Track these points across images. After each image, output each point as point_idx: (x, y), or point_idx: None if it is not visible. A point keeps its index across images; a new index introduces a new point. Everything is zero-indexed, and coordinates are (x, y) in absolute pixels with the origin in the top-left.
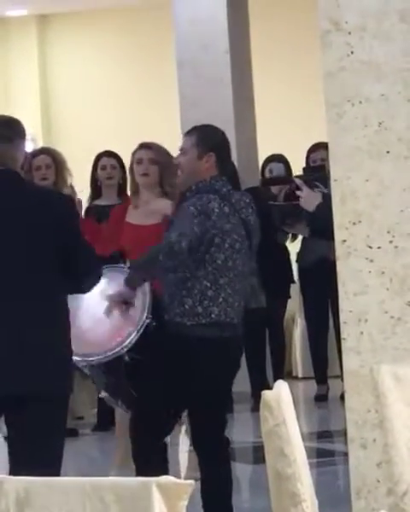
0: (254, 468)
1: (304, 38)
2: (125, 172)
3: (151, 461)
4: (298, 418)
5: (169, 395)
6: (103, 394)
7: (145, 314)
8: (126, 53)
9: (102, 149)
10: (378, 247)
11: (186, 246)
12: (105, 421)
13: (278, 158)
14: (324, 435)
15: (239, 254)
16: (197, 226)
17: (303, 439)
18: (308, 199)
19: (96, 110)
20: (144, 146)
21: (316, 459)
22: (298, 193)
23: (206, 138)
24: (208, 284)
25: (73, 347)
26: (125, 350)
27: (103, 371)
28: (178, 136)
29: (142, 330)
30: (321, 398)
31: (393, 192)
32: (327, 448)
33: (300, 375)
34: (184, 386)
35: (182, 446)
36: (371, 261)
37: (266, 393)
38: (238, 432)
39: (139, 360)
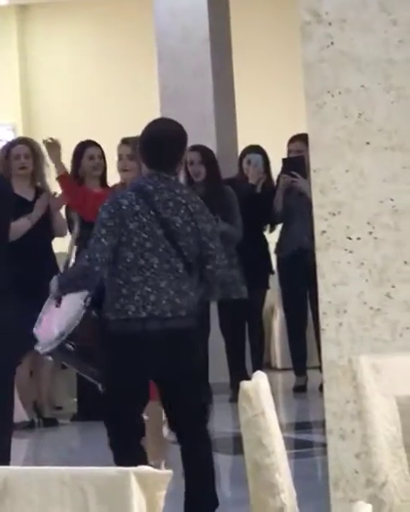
0: (234, 459)
1: (285, 29)
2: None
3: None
4: (277, 409)
5: (114, 384)
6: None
7: (81, 303)
8: (106, 43)
9: (81, 139)
10: (358, 239)
11: (99, 268)
12: (84, 411)
13: (255, 149)
14: (302, 426)
15: (153, 253)
16: (106, 237)
17: (282, 430)
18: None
19: (76, 100)
20: (123, 142)
21: (294, 450)
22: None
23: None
24: (121, 282)
25: (42, 338)
26: (63, 338)
27: (58, 358)
28: None
29: (77, 320)
30: (300, 389)
31: (373, 183)
32: (306, 439)
33: (279, 366)
34: (125, 377)
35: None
36: (351, 252)
37: (244, 384)
38: (217, 422)
39: (86, 347)
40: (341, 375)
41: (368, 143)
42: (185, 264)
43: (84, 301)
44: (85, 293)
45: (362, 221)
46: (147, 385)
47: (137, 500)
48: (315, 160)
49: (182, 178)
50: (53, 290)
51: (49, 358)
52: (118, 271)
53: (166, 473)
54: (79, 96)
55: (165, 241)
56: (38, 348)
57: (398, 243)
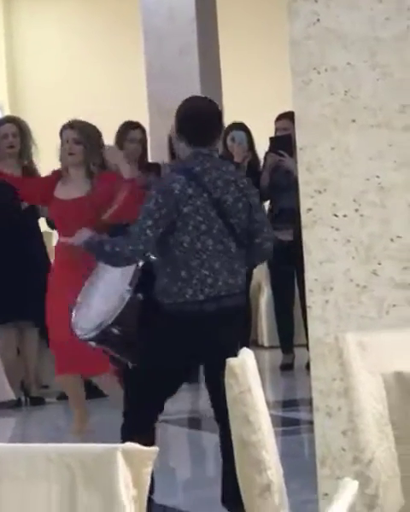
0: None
1: (270, 7)
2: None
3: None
4: (263, 387)
5: (156, 371)
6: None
7: (128, 288)
8: (93, 21)
9: (68, 118)
10: (344, 216)
11: (140, 260)
12: None
13: (238, 126)
14: (289, 404)
15: (208, 235)
16: (151, 228)
17: (268, 408)
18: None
19: (63, 78)
20: (68, 126)
21: (281, 428)
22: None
23: (175, 120)
24: (180, 266)
25: (84, 325)
26: (110, 323)
27: (103, 343)
28: (145, 107)
29: (124, 304)
30: (287, 367)
31: (359, 161)
32: (292, 417)
33: (265, 344)
34: (171, 360)
35: None
36: (337, 230)
37: (231, 361)
38: (204, 401)
39: (131, 332)
40: (327, 353)
41: (354, 121)
42: (237, 242)
43: (130, 285)
44: (129, 276)
45: (348, 198)
46: (189, 370)
47: (124, 476)
48: (301, 138)
49: (167, 156)
50: (84, 240)
51: (93, 344)
52: (175, 256)
53: (152, 450)
54: (65, 74)
55: (218, 221)
56: (79, 333)
57: (384, 220)
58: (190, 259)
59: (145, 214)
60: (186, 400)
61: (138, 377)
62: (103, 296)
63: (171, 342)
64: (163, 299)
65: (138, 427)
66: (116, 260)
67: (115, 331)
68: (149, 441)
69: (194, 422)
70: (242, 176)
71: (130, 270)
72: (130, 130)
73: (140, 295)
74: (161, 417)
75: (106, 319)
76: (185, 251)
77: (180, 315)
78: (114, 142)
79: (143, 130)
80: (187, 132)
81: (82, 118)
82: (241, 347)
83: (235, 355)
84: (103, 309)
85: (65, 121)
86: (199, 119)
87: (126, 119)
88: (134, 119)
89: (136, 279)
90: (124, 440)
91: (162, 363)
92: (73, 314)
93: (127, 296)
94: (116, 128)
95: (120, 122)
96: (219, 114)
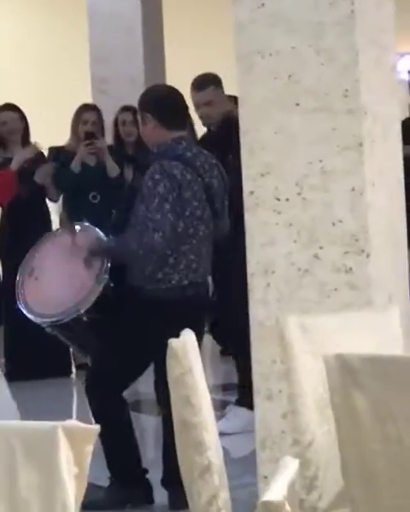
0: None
1: None
2: (26, 124)
3: (111, 416)
4: (204, 371)
5: (128, 356)
6: (73, 349)
7: (103, 276)
8: (37, 5)
9: (8, 100)
10: (286, 200)
11: (167, 245)
12: (13, 371)
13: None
14: (229, 387)
15: (200, 221)
16: (171, 212)
17: (209, 392)
18: None
19: (5, 62)
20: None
21: (222, 411)
22: None
23: (141, 101)
24: (169, 252)
25: (35, 307)
26: (82, 311)
27: (65, 330)
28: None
29: (98, 291)
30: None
31: (301, 144)
32: (233, 400)
33: (205, 328)
34: (143, 347)
35: None
36: (279, 213)
37: (172, 342)
38: (143, 384)
39: (98, 319)
40: (268, 336)
41: (297, 105)
42: (215, 226)
43: (104, 271)
44: (99, 263)
45: (291, 182)
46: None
47: (65, 454)
48: (244, 121)
49: (110, 139)
50: (89, 248)
51: (49, 330)
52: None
53: (93, 427)
54: (7, 58)
55: (207, 206)
56: (44, 320)
57: (326, 204)
58: (181, 245)
59: (159, 199)
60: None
61: (106, 361)
62: (62, 280)
63: (146, 327)
64: (144, 285)
65: (109, 403)
66: (146, 253)
67: (85, 319)
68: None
69: (134, 405)
70: (216, 160)
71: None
72: (84, 113)
73: (110, 282)
74: None
75: (79, 306)
76: (178, 236)
77: (160, 300)
78: (71, 125)
79: (99, 113)
80: (165, 116)
81: (24, 102)
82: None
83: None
84: (68, 295)
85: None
86: (175, 104)
87: (69, 99)
88: (77, 100)
89: (108, 264)
90: (96, 416)
91: (135, 349)
92: (21, 292)
93: (103, 283)
94: (60, 110)
95: (64, 103)
96: (184, 99)
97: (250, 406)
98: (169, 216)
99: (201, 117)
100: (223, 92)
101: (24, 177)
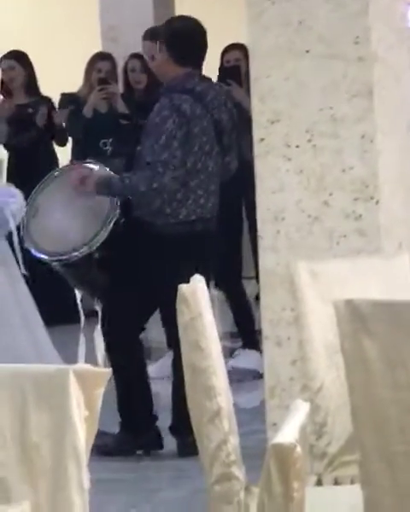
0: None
1: None
2: (31, 71)
3: (127, 354)
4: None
5: (141, 292)
6: (79, 291)
7: (113, 211)
8: None
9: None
10: (297, 146)
11: (177, 182)
12: None
13: None
14: (238, 335)
15: (209, 156)
16: (180, 149)
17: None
18: None
19: (21, 9)
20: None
21: (230, 358)
22: None
23: (165, 31)
24: (177, 187)
25: (43, 245)
26: (94, 248)
27: (75, 268)
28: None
29: (110, 227)
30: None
31: (312, 91)
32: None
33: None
34: (156, 282)
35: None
36: (289, 160)
37: (182, 287)
38: (155, 329)
39: (109, 256)
40: (278, 282)
41: (308, 51)
42: (222, 162)
43: (114, 207)
44: (108, 199)
45: (301, 129)
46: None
47: (76, 397)
48: (254, 68)
49: (121, 86)
50: (96, 182)
51: (57, 267)
52: (175, 176)
53: (104, 370)
54: (19, 3)
55: (216, 141)
56: (53, 258)
57: (336, 151)
58: (190, 180)
59: (167, 136)
60: None
61: (119, 299)
62: (70, 218)
63: (156, 263)
64: (154, 221)
65: (124, 345)
66: (158, 185)
67: (96, 256)
68: (139, 358)
69: (145, 352)
70: (227, 95)
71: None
72: (98, 61)
73: (121, 218)
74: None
75: (90, 242)
76: (187, 171)
77: (170, 236)
78: (84, 72)
79: (113, 61)
80: (180, 50)
81: (32, 49)
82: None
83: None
84: (78, 232)
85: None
86: (193, 40)
87: (79, 49)
88: (87, 49)
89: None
90: (112, 359)
91: (147, 286)
92: (22, 223)
93: (113, 219)
94: (71, 59)
95: (74, 53)
96: (205, 35)
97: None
98: (177, 153)
99: (154, 67)
100: None
101: (23, 125)
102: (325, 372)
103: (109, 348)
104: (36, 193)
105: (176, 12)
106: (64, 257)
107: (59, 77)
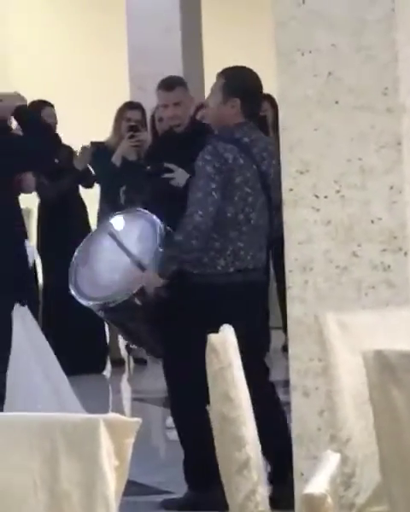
0: None
1: None
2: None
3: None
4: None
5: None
6: (125, 340)
7: (149, 256)
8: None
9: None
10: (325, 197)
11: (212, 222)
12: None
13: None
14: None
15: (252, 207)
16: (216, 191)
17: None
18: None
19: (49, 56)
20: None
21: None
22: None
23: (233, 82)
24: (216, 236)
25: (87, 291)
26: (134, 291)
27: (118, 316)
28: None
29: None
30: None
31: (340, 142)
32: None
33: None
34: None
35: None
36: (318, 210)
37: (211, 337)
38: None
39: (151, 304)
40: (306, 333)
41: (337, 102)
42: (271, 216)
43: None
44: (148, 245)
45: (329, 179)
46: None
47: (106, 447)
48: (284, 118)
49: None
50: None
51: (101, 315)
52: (213, 225)
53: (134, 421)
54: (52, 52)
55: (263, 194)
56: (86, 301)
57: (365, 202)
58: (230, 230)
59: (206, 178)
60: (160, 379)
61: (178, 365)
62: (108, 263)
63: (198, 315)
64: (188, 269)
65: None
66: (197, 237)
67: (138, 302)
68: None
69: (168, 401)
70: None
71: (137, 239)
72: (128, 110)
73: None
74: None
75: (128, 288)
76: (227, 221)
77: (208, 286)
78: (114, 121)
79: (143, 111)
80: (250, 105)
81: (63, 97)
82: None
83: (256, 332)
84: (121, 277)
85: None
86: (256, 90)
87: (108, 98)
88: (116, 98)
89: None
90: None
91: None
92: (73, 274)
93: (151, 265)
94: (97, 108)
95: (103, 102)
96: (262, 88)
97: None
98: (213, 194)
99: (169, 117)
100: (190, 95)
101: (50, 175)
102: (354, 422)
103: (180, 423)
104: (87, 242)
105: (205, 62)
106: (103, 301)
107: (87, 125)
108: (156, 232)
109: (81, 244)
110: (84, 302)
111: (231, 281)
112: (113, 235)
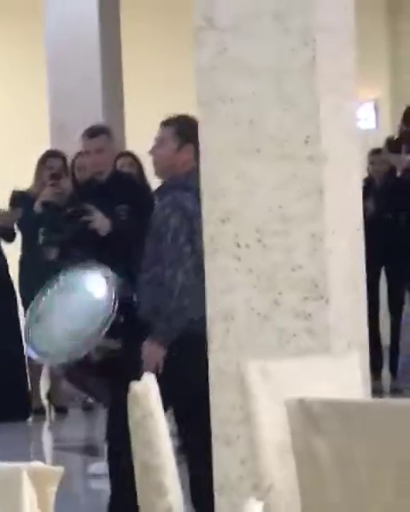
0: None
1: (175, 34)
2: None
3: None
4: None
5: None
6: (83, 395)
7: (109, 313)
8: None
9: None
10: (246, 246)
11: (189, 279)
12: None
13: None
14: None
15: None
16: (186, 245)
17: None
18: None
19: None
20: None
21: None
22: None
23: (186, 129)
24: (192, 281)
25: (46, 348)
26: (90, 348)
27: (74, 371)
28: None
29: (107, 328)
30: None
31: (262, 190)
32: None
33: None
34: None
35: None
36: (239, 259)
37: (134, 385)
38: (100, 429)
39: (110, 359)
40: (227, 381)
41: (258, 151)
42: None
43: (113, 305)
44: (106, 297)
45: (251, 228)
46: None
47: (29, 496)
48: (205, 167)
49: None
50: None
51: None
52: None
53: (57, 469)
54: None
55: None
56: (40, 357)
57: (286, 250)
58: (195, 276)
59: (173, 233)
60: (81, 427)
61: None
62: (65, 316)
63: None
64: (156, 322)
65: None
66: (179, 294)
67: (95, 358)
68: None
69: (89, 449)
70: None
71: (99, 290)
72: (49, 158)
73: (121, 318)
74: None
75: (86, 343)
76: (197, 268)
77: (191, 335)
78: (35, 170)
79: (64, 159)
80: (195, 144)
81: None
82: None
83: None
84: (72, 329)
85: None
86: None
87: (28, 144)
88: (36, 144)
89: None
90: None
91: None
92: (25, 329)
93: (111, 318)
94: (17, 153)
95: (22, 146)
96: None
97: None
98: (185, 249)
99: (91, 164)
100: (114, 144)
101: None
102: (276, 471)
103: (112, 469)
104: (38, 299)
105: (126, 110)
106: (61, 360)
107: (8, 173)
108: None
109: (33, 302)
110: (40, 360)
111: (193, 329)
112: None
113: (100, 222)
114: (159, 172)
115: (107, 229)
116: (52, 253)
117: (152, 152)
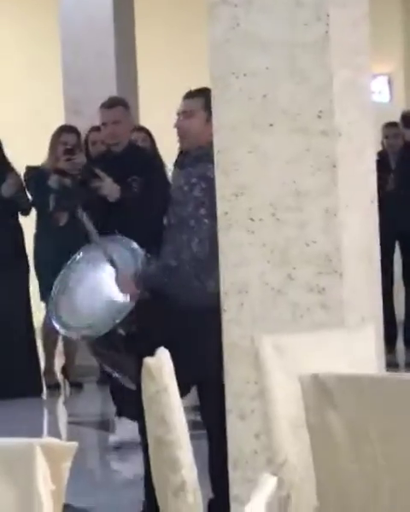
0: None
1: (190, 10)
2: None
3: None
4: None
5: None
6: (108, 369)
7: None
8: (12, 31)
9: None
10: (260, 220)
11: (204, 252)
12: None
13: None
14: None
15: None
16: (207, 217)
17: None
18: None
19: None
20: None
21: (195, 431)
22: None
23: (206, 101)
24: (206, 253)
25: (70, 322)
26: (117, 323)
27: (101, 346)
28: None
29: (134, 304)
30: None
31: (275, 165)
32: None
33: None
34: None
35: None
36: (253, 233)
37: (147, 360)
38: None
39: (135, 333)
40: (241, 356)
41: (271, 125)
42: None
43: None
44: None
45: (265, 202)
46: None
47: (42, 471)
48: (218, 141)
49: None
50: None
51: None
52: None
53: (71, 445)
54: None
55: None
56: (66, 331)
57: (300, 225)
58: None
59: (194, 204)
60: (96, 402)
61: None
62: (90, 292)
63: (182, 338)
64: (179, 295)
65: None
66: (188, 265)
67: (121, 332)
68: None
69: (104, 424)
70: None
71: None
72: (63, 134)
73: (147, 294)
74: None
75: (112, 317)
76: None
77: (195, 309)
78: (49, 145)
79: (78, 134)
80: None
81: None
82: None
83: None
84: (96, 306)
85: None
86: None
87: (43, 121)
88: (51, 121)
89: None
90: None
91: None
92: (52, 304)
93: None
94: (32, 131)
95: (38, 125)
96: None
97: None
98: (205, 221)
99: (108, 135)
100: (131, 116)
101: None
102: (290, 446)
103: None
104: (68, 269)
105: (139, 85)
106: (87, 334)
107: (23, 149)
108: (137, 260)
109: (60, 275)
110: (64, 333)
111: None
112: (112, 262)
113: (109, 188)
114: (187, 144)
115: (116, 195)
116: (63, 218)
117: (180, 124)
